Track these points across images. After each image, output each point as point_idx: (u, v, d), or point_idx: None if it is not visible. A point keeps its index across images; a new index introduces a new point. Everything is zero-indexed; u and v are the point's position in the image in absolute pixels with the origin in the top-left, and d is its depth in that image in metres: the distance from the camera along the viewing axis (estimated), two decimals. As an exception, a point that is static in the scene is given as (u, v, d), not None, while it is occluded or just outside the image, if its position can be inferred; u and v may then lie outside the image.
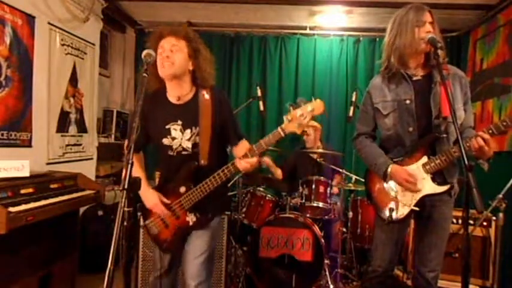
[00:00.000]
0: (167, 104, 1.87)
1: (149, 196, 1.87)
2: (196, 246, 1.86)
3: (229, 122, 1.91)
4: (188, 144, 1.83)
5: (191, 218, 1.85)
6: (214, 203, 1.86)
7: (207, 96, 1.84)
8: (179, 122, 1.83)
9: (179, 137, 1.83)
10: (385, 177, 1.87)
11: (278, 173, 3.79)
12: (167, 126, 1.84)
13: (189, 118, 1.82)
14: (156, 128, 1.86)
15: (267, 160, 3.74)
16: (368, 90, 2.00)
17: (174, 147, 1.84)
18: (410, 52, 1.80)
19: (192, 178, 1.80)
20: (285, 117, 1.60)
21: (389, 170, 1.84)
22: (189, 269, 1.86)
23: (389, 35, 1.87)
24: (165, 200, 1.87)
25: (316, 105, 1.55)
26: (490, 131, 1.62)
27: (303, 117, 1.57)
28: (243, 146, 1.84)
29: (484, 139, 1.60)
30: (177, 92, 1.86)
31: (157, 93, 1.90)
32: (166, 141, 1.85)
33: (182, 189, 1.83)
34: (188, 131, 1.82)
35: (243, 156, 1.69)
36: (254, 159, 1.68)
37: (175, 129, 1.83)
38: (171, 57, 1.76)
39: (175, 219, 1.87)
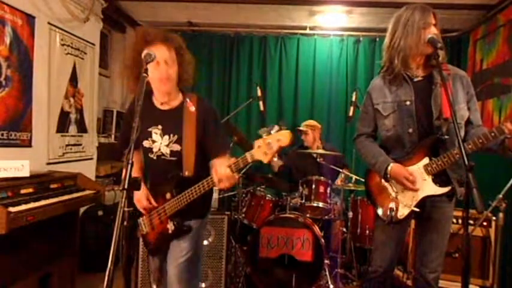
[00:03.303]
0: (152, 107, 1.87)
1: (138, 192, 1.87)
2: (176, 250, 1.85)
3: (211, 131, 1.87)
4: (166, 150, 1.84)
5: (170, 226, 1.84)
6: (194, 212, 1.86)
7: (192, 109, 1.83)
8: (159, 127, 1.84)
9: (158, 141, 1.85)
10: (385, 176, 1.87)
11: (278, 163, 3.81)
12: (149, 129, 1.85)
13: (170, 125, 1.83)
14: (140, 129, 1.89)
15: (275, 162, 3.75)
16: (368, 91, 1.99)
17: (154, 150, 1.86)
18: (416, 54, 1.79)
19: (178, 187, 1.80)
20: (254, 143, 1.57)
21: (389, 168, 1.84)
22: (169, 273, 1.86)
23: (393, 36, 1.84)
24: (152, 201, 1.88)
25: (283, 136, 1.51)
26: None
27: (269, 146, 1.52)
28: (220, 162, 1.75)
29: None
30: (164, 98, 1.85)
31: (145, 95, 1.88)
32: (146, 143, 1.87)
33: (168, 195, 1.83)
34: (166, 137, 1.83)
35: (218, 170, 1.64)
36: (229, 174, 1.62)
37: (155, 132, 1.85)
38: (168, 72, 1.74)
39: (160, 224, 1.88)
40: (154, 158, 1.87)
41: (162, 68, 1.72)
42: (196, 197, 1.76)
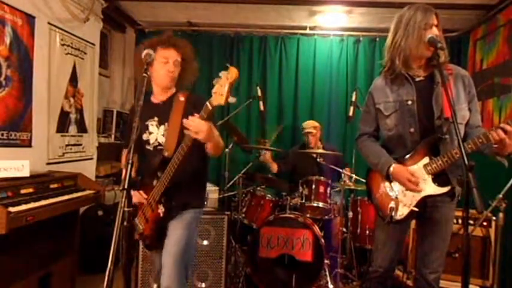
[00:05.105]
0: (149, 104, 2.05)
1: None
2: (169, 240, 1.94)
3: None
4: (163, 139, 1.98)
5: (161, 210, 1.94)
6: (180, 192, 1.93)
7: (182, 99, 1.97)
8: (155, 119, 2.01)
9: (155, 132, 2.01)
10: (387, 176, 1.87)
11: (274, 167, 3.81)
12: (146, 123, 2.02)
13: (164, 115, 1.98)
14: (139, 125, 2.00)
15: (266, 155, 3.74)
16: (370, 91, 2.00)
17: (151, 141, 2.01)
18: (416, 55, 1.79)
19: (161, 170, 1.89)
20: (212, 92, 1.66)
21: (391, 169, 1.84)
22: (163, 262, 1.92)
23: (394, 36, 1.83)
24: (143, 194, 2.00)
25: (230, 73, 1.60)
26: None
27: (222, 88, 1.61)
28: None
29: (505, 131, 1.54)
30: (161, 93, 2.04)
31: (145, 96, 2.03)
32: (145, 136, 2.03)
33: (154, 182, 1.94)
34: (162, 127, 1.99)
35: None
36: (197, 119, 1.67)
37: (152, 124, 2.02)
38: (174, 71, 1.97)
39: (152, 213, 1.97)
40: (151, 149, 2.01)
41: (169, 65, 1.95)
42: (179, 176, 1.83)
